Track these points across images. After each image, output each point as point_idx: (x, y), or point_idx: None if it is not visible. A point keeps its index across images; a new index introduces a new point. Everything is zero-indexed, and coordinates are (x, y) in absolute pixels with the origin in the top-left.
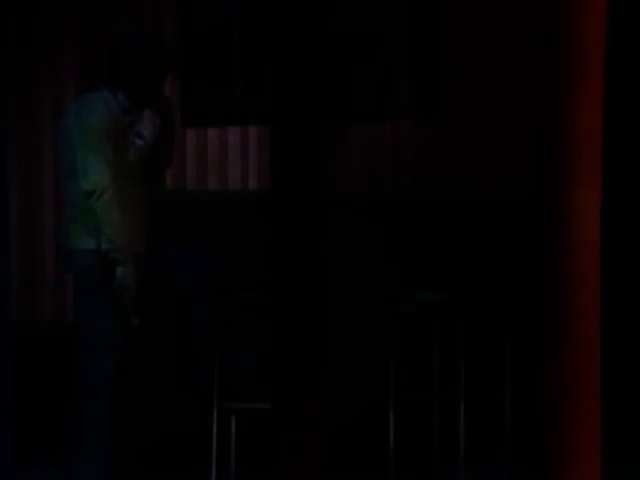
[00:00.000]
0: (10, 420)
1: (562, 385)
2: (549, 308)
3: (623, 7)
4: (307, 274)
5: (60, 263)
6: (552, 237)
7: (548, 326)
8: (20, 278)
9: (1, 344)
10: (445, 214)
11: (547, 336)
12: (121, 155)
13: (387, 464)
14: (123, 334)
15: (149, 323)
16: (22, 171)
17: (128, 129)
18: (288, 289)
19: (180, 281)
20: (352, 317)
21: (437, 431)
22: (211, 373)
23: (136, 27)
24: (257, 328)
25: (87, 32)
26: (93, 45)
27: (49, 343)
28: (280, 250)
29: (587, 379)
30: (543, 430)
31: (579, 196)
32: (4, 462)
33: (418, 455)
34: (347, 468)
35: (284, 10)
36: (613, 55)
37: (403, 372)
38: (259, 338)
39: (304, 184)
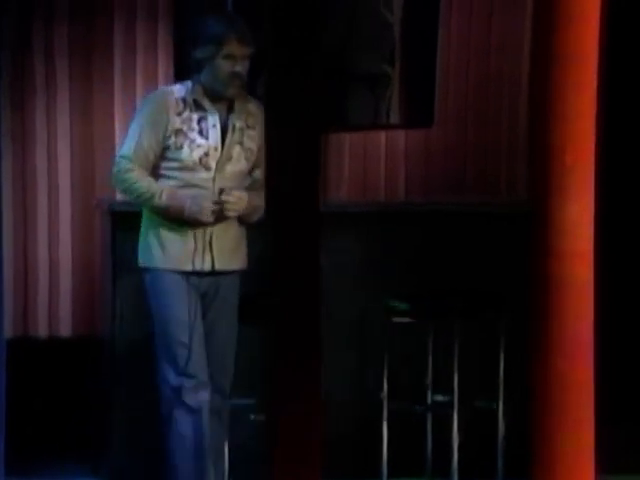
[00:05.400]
0: (2, 432)
1: (554, 396)
2: (540, 317)
3: (618, 18)
4: (301, 284)
5: (53, 277)
6: (544, 248)
7: (539, 334)
8: (13, 291)
9: None
10: (439, 225)
11: (539, 344)
12: (174, 154)
13: (380, 475)
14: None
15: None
16: (15, 182)
17: (189, 125)
18: (281, 299)
19: None
20: (345, 327)
21: (431, 442)
22: None
23: (130, 26)
24: (253, 339)
25: (81, 31)
26: (87, 44)
27: (43, 356)
28: (274, 260)
29: (580, 389)
30: (534, 441)
31: (571, 208)
32: None
33: (411, 466)
34: (340, 479)
35: (278, 19)
36: (608, 64)
37: (396, 383)
38: (256, 348)
39: (298, 194)
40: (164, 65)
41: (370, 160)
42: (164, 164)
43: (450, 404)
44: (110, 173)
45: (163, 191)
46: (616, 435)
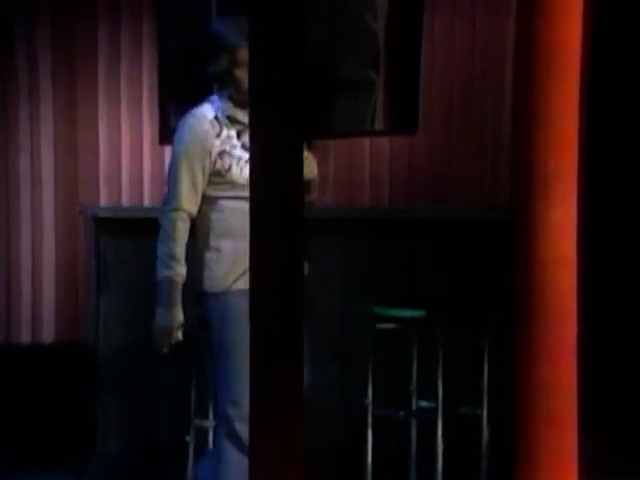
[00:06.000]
0: None
1: (537, 402)
2: (524, 323)
3: (601, 21)
4: (284, 290)
5: (36, 284)
6: (527, 254)
7: (523, 341)
8: None
9: None
10: (423, 231)
11: (522, 351)
12: (224, 177)
13: None
14: None
15: None
16: None
17: (230, 143)
18: (264, 306)
19: None
20: (330, 333)
21: (415, 448)
22: (188, 390)
23: (114, 33)
24: None
25: (64, 38)
26: (70, 51)
27: (26, 363)
28: (257, 267)
29: (563, 394)
30: (517, 447)
31: (554, 214)
32: None
33: (396, 472)
34: None
35: (262, 29)
36: (591, 68)
37: (381, 389)
38: None
39: (283, 200)
40: (148, 72)
41: (354, 166)
42: (214, 187)
43: (434, 410)
44: (161, 209)
45: (173, 277)
46: (600, 442)
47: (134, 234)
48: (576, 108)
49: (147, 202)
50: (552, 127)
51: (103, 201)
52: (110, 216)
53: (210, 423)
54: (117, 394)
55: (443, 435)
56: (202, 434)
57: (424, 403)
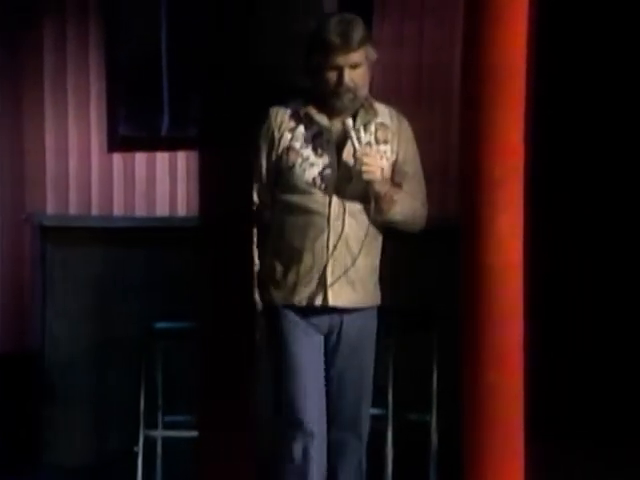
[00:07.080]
0: None
1: (484, 408)
2: (471, 330)
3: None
4: (235, 299)
5: None
6: (473, 261)
7: (470, 347)
8: None
9: None
10: None
11: (469, 357)
12: (285, 175)
13: None
14: None
15: None
16: None
17: (302, 141)
18: (215, 316)
19: None
20: None
21: (365, 455)
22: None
23: (60, 44)
24: (186, 357)
25: (9, 50)
26: (16, 63)
27: None
28: (207, 276)
29: (510, 401)
30: (465, 452)
31: (500, 221)
32: None
33: None
34: None
35: (212, 36)
36: (538, 74)
37: None
38: (188, 367)
39: (232, 209)
40: (95, 79)
41: None
42: (276, 188)
43: (385, 417)
44: None
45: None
46: (548, 451)
47: (81, 242)
48: (522, 114)
49: (95, 210)
50: (498, 134)
51: (50, 208)
52: (56, 224)
53: (159, 433)
54: (63, 403)
55: (393, 442)
56: (151, 444)
57: (374, 410)
